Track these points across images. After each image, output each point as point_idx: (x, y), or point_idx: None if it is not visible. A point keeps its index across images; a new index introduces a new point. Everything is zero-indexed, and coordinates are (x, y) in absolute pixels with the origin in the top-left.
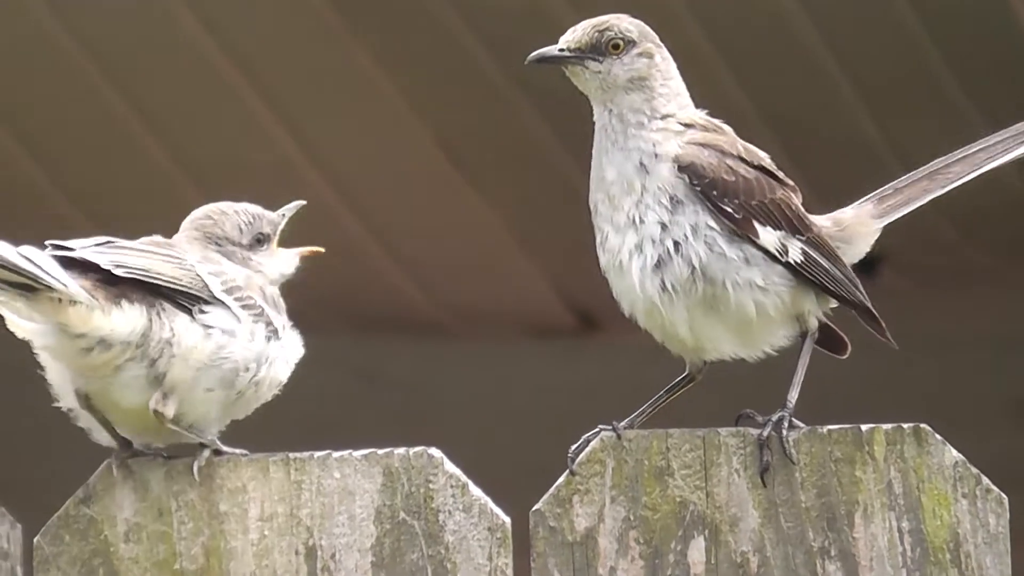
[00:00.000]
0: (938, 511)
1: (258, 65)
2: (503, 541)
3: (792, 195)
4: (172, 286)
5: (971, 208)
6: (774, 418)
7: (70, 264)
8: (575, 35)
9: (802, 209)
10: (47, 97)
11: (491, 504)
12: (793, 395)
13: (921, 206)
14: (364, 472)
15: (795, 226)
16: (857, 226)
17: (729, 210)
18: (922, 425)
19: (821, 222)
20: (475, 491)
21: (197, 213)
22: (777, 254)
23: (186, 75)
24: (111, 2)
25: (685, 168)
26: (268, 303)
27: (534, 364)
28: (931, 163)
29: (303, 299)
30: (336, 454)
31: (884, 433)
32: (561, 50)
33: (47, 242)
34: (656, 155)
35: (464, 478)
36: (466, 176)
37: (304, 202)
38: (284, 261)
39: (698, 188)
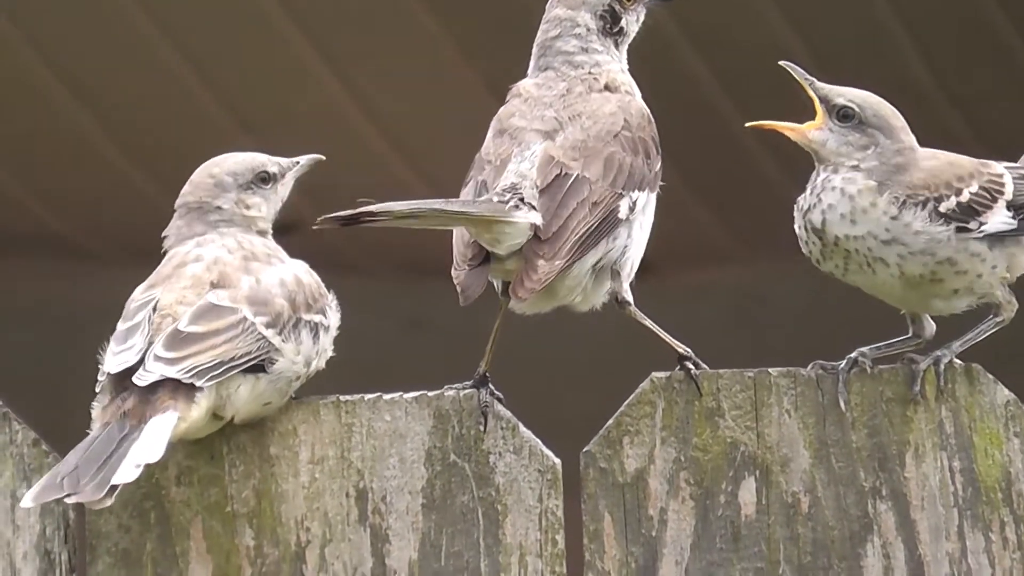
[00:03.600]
0: (990, 450)
1: (306, 10)
2: (554, 483)
3: None
4: (247, 363)
5: None
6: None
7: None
8: None
9: None
10: (97, 45)
11: (541, 446)
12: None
13: None
14: (415, 414)
15: None
16: None
17: None
18: (974, 364)
19: None
20: (525, 433)
21: (184, 189)
22: None
23: (235, 21)
24: None
25: None
26: (306, 298)
27: None
28: None
29: (352, 245)
30: (387, 396)
31: (935, 372)
32: None
33: (107, 371)
34: None
35: (514, 420)
36: None
37: (322, 157)
38: (283, 196)
39: None
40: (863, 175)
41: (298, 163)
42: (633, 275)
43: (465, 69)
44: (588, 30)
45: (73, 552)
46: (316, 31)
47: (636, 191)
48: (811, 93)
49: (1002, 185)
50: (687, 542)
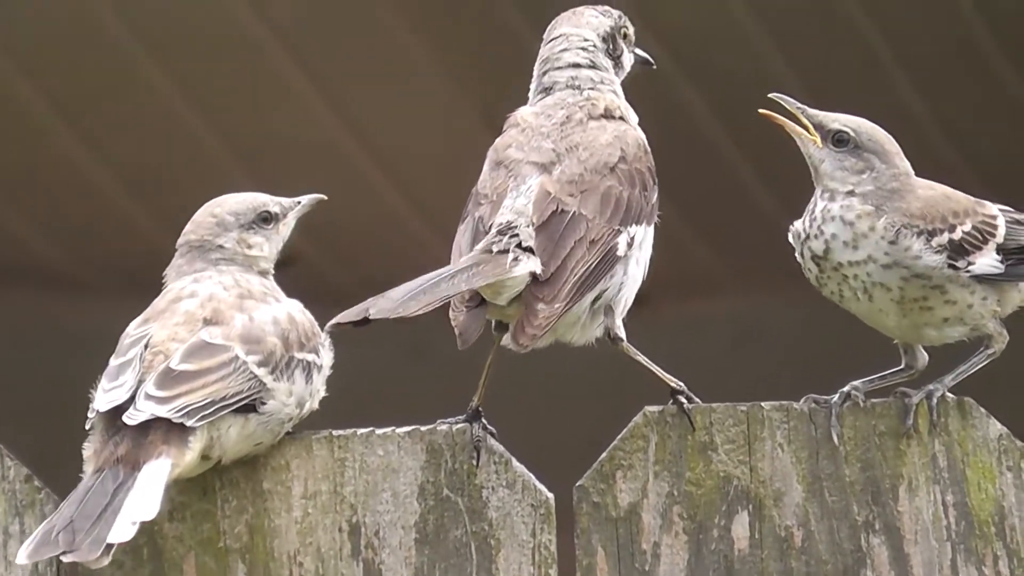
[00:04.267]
0: (983, 484)
1: (302, 43)
2: (547, 517)
3: None
4: (238, 403)
5: None
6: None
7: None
8: None
9: None
10: (93, 77)
11: (534, 480)
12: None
13: None
14: (407, 449)
15: None
16: None
17: None
18: (966, 398)
19: None
20: (518, 467)
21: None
22: None
23: (231, 54)
24: None
25: None
26: (299, 336)
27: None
28: None
29: (349, 276)
30: (379, 431)
31: (928, 406)
32: None
33: (97, 409)
34: None
35: (507, 454)
36: None
37: (324, 197)
38: (284, 236)
39: None
40: (859, 200)
41: (300, 203)
42: (627, 311)
43: (459, 99)
44: (595, 45)
45: None
46: (310, 61)
47: (634, 225)
48: (804, 121)
49: (995, 228)
50: None
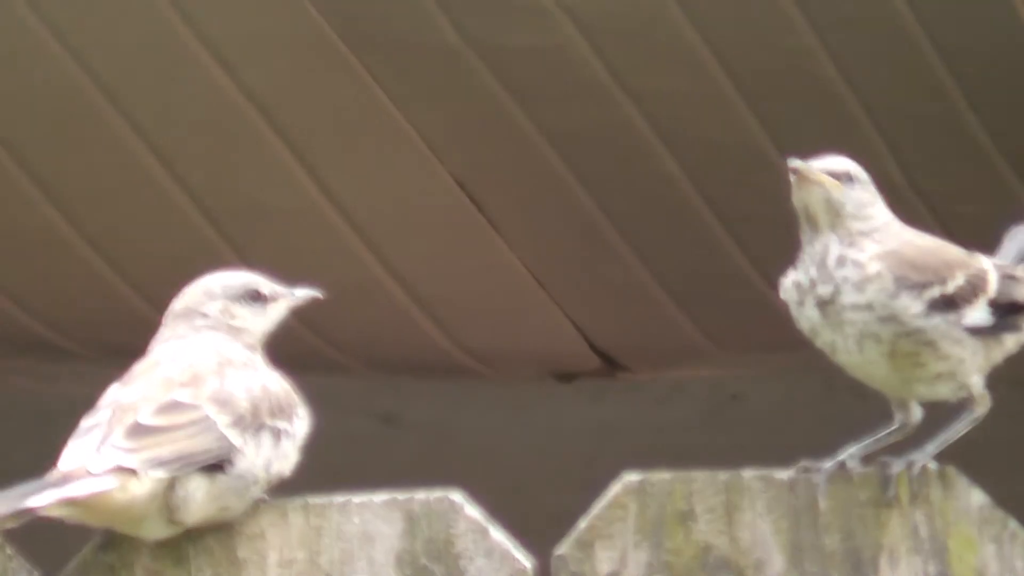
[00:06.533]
0: (965, 555)
1: (277, 107)
2: None
3: None
4: (206, 462)
5: None
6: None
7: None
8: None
9: None
10: (65, 141)
11: (513, 549)
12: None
13: None
14: (384, 517)
15: None
16: None
17: None
18: (948, 467)
19: None
20: (497, 535)
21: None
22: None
23: (205, 118)
24: (130, 44)
25: None
26: (271, 406)
27: (556, 406)
28: None
29: (324, 341)
30: (356, 499)
31: (908, 476)
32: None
33: (60, 466)
34: None
35: (485, 522)
36: (487, 217)
37: (320, 295)
38: (272, 319)
39: None
40: (870, 240)
41: (294, 294)
42: None
43: (434, 164)
44: None
45: None
46: (286, 127)
47: None
48: (821, 179)
49: (987, 282)
50: None
